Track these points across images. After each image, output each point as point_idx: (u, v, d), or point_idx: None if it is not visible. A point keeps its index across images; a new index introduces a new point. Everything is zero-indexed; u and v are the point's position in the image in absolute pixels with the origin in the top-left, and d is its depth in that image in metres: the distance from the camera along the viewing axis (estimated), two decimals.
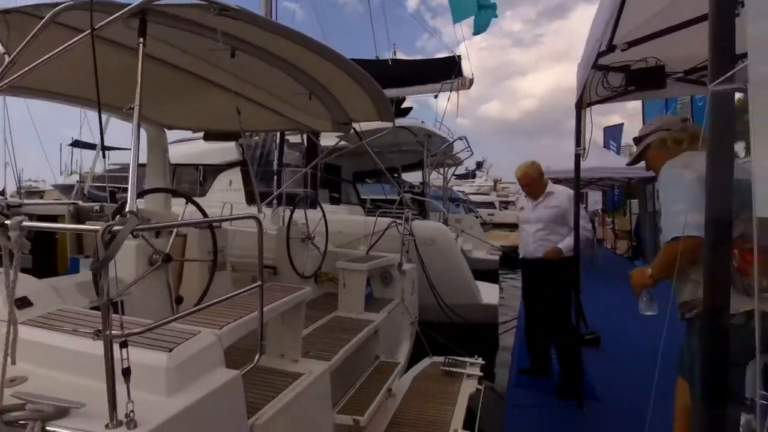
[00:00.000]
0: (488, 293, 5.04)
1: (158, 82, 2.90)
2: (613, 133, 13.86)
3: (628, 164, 2.72)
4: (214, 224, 2.62)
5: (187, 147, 6.95)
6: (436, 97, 7.21)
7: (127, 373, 1.14)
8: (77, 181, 8.54)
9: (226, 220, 1.89)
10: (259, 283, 1.65)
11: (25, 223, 1.10)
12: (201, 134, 6.68)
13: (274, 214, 4.84)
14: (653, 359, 1.71)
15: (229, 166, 6.62)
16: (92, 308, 1.79)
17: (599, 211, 14.56)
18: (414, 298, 4.01)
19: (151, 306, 2.12)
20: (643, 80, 2.96)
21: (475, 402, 2.77)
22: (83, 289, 1.92)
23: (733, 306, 1.65)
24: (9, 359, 1.21)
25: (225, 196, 5.99)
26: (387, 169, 9.84)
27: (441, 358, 3.39)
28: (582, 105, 3.17)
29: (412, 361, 3.47)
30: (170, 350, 1.33)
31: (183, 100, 3.55)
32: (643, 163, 2.23)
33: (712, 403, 1.30)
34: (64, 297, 1.79)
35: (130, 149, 1.40)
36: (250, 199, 6.09)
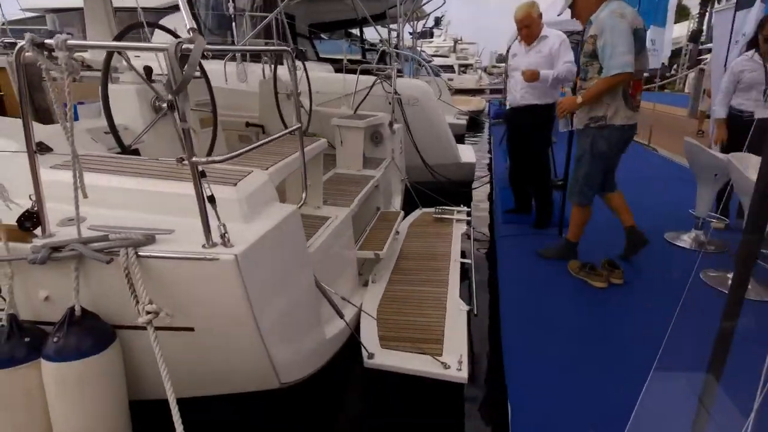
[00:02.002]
0: (465, 152, 5.26)
1: None
2: None
3: (560, 13, 2.96)
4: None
5: None
6: None
7: (212, 200, 1.18)
8: None
9: (261, 50, 1.73)
10: (298, 125, 1.64)
11: (70, 42, 0.96)
12: None
13: (239, 70, 4.37)
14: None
15: (171, 9, 5.56)
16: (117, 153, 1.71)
17: None
18: (402, 157, 4.12)
19: (164, 154, 2.05)
20: None
21: (466, 240, 3.17)
22: (96, 136, 1.79)
23: (622, 117, 2.36)
24: (80, 192, 1.19)
25: None
26: (346, 22, 8.83)
27: (431, 209, 3.71)
28: None
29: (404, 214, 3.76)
30: (235, 184, 1.36)
31: None
32: None
33: None
34: (80, 143, 1.67)
35: None
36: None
